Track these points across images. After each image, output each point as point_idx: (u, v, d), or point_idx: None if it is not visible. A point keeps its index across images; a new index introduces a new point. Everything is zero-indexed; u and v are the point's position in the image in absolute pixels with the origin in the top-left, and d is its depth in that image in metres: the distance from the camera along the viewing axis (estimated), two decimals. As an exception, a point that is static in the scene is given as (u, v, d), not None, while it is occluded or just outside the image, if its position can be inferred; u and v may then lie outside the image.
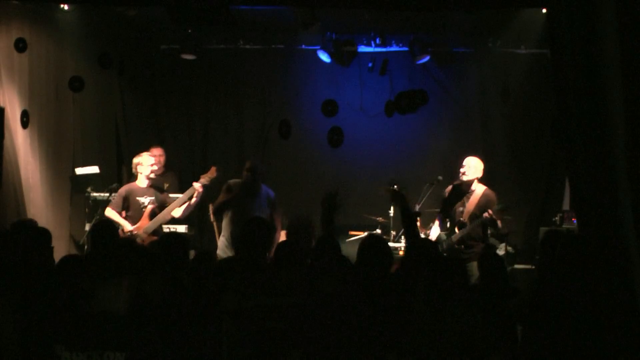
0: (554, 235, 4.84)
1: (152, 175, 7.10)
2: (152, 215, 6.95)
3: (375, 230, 8.25)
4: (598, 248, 4.05)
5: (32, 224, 5.36)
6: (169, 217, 7.04)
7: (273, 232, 5.13)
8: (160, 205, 7.03)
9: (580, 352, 3.79)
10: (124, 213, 7.01)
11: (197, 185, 6.97)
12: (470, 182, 6.93)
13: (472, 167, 6.94)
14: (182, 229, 7.81)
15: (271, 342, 3.79)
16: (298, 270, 4.45)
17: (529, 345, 3.88)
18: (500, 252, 7.73)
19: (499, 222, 6.78)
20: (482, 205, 6.77)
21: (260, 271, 4.43)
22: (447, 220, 7.13)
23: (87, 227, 7.43)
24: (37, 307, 3.53)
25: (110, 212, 7.03)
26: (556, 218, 8.21)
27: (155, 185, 7.22)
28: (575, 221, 7.26)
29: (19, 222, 5.32)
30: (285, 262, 4.48)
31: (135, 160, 7.19)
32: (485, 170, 9.05)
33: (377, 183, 8.39)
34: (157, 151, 8.19)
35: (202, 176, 7.12)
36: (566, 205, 8.55)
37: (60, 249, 7.30)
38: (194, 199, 7.04)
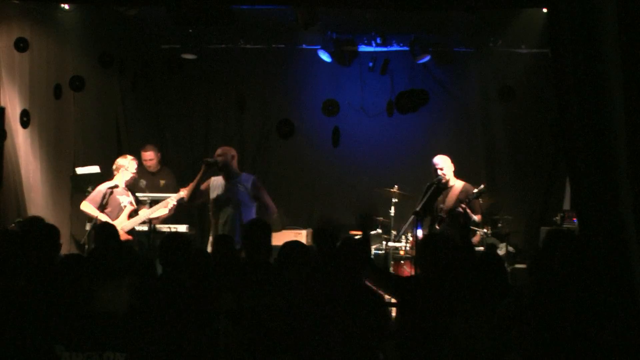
0: (558, 235, 4.85)
1: (130, 181, 7.34)
2: (131, 215, 7.18)
3: (375, 230, 8.24)
4: (598, 248, 4.04)
5: (41, 221, 5.39)
6: (145, 219, 7.28)
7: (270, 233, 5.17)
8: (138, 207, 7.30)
9: (581, 352, 3.79)
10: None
11: (170, 200, 7.26)
12: (448, 179, 6.99)
13: (447, 165, 7.06)
14: (182, 228, 7.82)
15: (269, 342, 3.79)
16: (301, 271, 4.45)
17: (528, 346, 3.88)
18: (501, 252, 7.75)
19: (477, 216, 7.03)
20: (462, 199, 6.94)
21: (260, 271, 4.43)
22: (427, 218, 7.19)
23: (88, 226, 7.43)
24: (37, 307, 3.53)
25: (86, 206, 7.22)
26: (556, 218, 8.20)
27: (131, 187, 7.43)
28: (575, 221, 7.29)
29: (28, 220, 5.36)
30: (289, 262, 4.48)
31: (120, 161, 7.30)
32: (485, 171, 9.10)
33: (378, 183, 8.40)
34: (148, 155, 8.25)
35: (182, 189, 7.35)
36: (566, 205, 8.54)
37: (61, 248, 7.29)
38: (169, 209, 7.33)
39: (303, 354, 3.72)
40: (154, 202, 7.49)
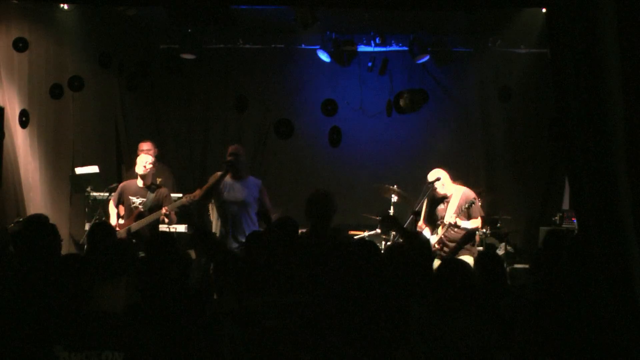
0: (557, 235, 4.86)
1: (142, 172, 6.88)
2: (138, 216, 6.86)
3: (375, 230, 8.25)
4: (598, 248, 4.04)
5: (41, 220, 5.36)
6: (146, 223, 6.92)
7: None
8: (152, 208, 6.89)
9: (581, 352, 3.79)
10: (121, 208, 7.01)
11: (162, 211, 6.82)
12: (444, 194, 6.97)
13: (443, 179, 6.97)
14: (181, 228, 7.82)
15: (272, 341, 3.79)
16: (303, 269, 4.45)
17: (529, 346, 3.88)
18: (500, 251, 7.76)
19: (477, 220, 6.86)
20: (463, 205, 6.84)
21: (261, 270, 4.43)
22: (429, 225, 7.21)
23: (87, 226, 7.44)
24: (36, 307, 3.53)
25: (110, 205, 7.07)
26: (556, 218, 8.21)
27: (153, 186, 7.02)
28: (575, 221, 7.30)
29: (29, 219, 5.31)
30: (289, 260, 4.48)
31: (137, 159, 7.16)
32: (485, 171, 9.11)
33: (377, 183, 8.40)
34: (146, 145, 8.11)
35: (186, 195, 7.01)
36: (566, 205, 8.56)
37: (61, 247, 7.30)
38: (166, 220, 6.93)
39: (312, 354, 3.71)
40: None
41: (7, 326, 3.36)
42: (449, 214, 6.85)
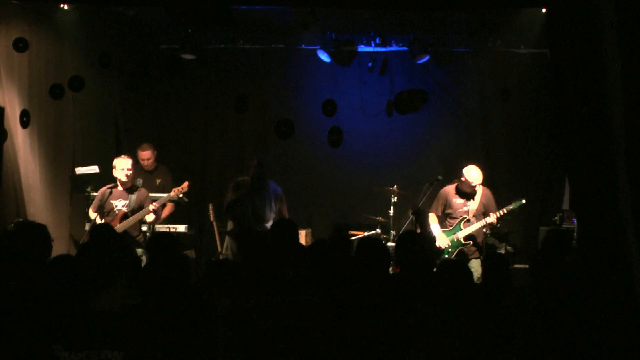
0: (556, 235, 4.88)
1: (125, 179, 7.11)
2: (123, 218, 7.02)
3: (375, 230, 8.25)
4: (598, 248, 4.04)
5: (30, 223, 5.38)
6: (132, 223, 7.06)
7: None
8: (134, 210, 7.06)
9: (581, 352, 3.79)
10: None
11: (150, 207, 6.98)
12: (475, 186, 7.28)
13: (479, 177, 7.27)
14: (181, 228, 7.81)
15: (268, 341, 3.78)
16: (300, 269, 4.45)
17: (529, 345, 3.89)
18: (500, 251, 7.80)
19: (494, 216, 7.25)
20: (485, 203, 7.22)
21: (257, 272, 4.43)
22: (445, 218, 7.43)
23: (87, 226, 7.43)
24: (36, 308, 3.53)
25: (90, 212, 7.21)
26: (556, 218, 8.21)
27: (133, 188, 7.20)
28: (574, 221, 7.34)
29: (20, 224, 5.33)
30: (289, 261, 4.49)
31: (114, 162, 7.22)
32: (485, 171, 9.12)
33: (377, 183, 8.40)
34: (145, 154, 8.19)
35: (174, 189, 7.24)
36: (566, 205, 8.56)
37: (60, 248, 7.30)
38: (152, 217, 7.11)
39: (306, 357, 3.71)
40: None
41: (7, 326, 3.36)
42: (472, 210, 7.06)
